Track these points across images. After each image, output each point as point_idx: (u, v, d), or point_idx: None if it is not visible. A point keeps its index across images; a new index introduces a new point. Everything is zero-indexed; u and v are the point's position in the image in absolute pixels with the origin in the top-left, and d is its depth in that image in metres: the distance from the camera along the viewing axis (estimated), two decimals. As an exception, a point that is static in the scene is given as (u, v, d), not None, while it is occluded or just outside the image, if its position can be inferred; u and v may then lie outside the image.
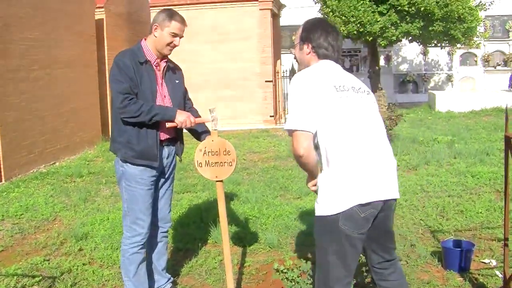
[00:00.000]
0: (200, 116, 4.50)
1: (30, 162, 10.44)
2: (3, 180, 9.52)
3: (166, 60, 4.34)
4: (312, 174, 3.35)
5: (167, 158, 4.38)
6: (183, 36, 4.29)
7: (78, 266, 5.44)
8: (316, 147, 3.24)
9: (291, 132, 3.19)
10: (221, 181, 4.15)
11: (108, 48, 14.22)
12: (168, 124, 4.16)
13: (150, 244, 4.44)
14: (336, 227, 3.13)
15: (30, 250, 6.05)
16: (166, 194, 4.52)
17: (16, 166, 9.93)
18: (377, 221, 3.25)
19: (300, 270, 4.48)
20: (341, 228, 3.12)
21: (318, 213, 3.24)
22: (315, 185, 3.38)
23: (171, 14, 4.22)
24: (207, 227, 6.25)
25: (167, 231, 4.63)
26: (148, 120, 4.04)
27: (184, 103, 4.47)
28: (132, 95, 4.03)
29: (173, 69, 4.43)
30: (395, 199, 3.33)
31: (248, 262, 5.42)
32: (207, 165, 4.12)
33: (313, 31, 3.49)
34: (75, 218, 7.15)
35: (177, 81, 4.39)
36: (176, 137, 4.40)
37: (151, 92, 4.14)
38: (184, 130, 4.44)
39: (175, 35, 4.21)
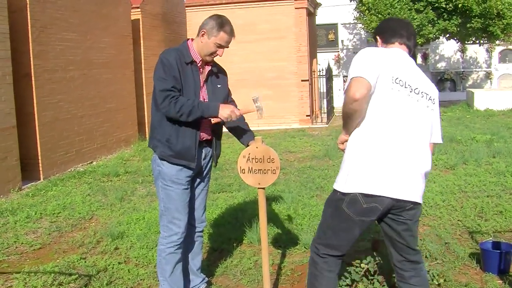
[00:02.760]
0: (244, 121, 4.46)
1: (67, 161, 10.58)
2: (41, 178, 9.67)
3: (211, 64, 4.27)
4: (351, 126, 3.32)
5: (204, 159, 4.35)
6: (228, 47, 4.18)
7: (113, 264, 5.48)
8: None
9: (349, 85, 3.22)
10: (263, 188, 4.13)
11: (144, 49, 14.35)
12: (213, 120, 4.11)
13: (185, 243, 4.41)
14: (340, 206, 3.31)
15: (67, 248, 6.12)
16: (201, 194, 4.50)
17: (54, 165, 10.08)
18: (389, 220, 3.39)
19: (335, 271, 4.42)
20: (343, 209, 3.29)
21: (334, 186, 3.42)
22: (343, 143, 3.45)
23: (221, 24, 4.08)
24: (243, 227, 6.23)
25: (202, 231, 4.62)
26: (190, 121, 3.99)
27: None
28: (175, 92, 3.95)
29: (216, 74, 4.33)
30: (414, 203, 3.30)
31: (283, 262, 5.39)
32: (250, 171, 4.11)
33: (383, 26, 3.71)
34: (111, 217, 7.21)
35: (219, 86, 4.30)
36: (214, 138, 4.33)
37: (195, 93, 4.07)
38: (224, 129, 4.42)
39: (220, 46, 4.11)
